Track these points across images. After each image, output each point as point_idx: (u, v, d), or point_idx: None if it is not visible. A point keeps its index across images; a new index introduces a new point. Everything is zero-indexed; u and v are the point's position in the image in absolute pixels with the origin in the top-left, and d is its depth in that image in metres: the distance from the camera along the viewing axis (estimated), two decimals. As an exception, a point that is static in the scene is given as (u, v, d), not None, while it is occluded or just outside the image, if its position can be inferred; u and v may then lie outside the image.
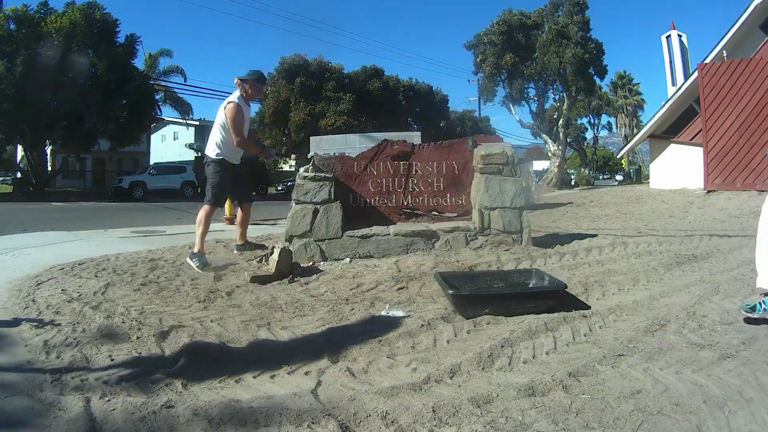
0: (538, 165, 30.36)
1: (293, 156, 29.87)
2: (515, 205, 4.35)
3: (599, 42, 23.68)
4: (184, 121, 33.48)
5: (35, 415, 1.63)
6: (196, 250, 4.02)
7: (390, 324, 2.58)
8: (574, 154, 48.37)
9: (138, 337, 2.34)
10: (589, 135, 48.23)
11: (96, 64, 18.89)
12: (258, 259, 4.12)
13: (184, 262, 4.04)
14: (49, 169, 23.76)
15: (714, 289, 2.94)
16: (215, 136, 4.28)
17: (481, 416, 1.60)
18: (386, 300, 3.05)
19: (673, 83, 17.48)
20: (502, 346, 2.17)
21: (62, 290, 3.22)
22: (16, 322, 2.54)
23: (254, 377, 1.94)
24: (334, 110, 25.54)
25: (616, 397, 1.68)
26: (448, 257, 4.00)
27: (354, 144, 6.82)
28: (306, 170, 4.33)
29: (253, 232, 5.41)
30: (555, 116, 27.86)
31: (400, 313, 2.75)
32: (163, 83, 27.24)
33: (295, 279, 3.55)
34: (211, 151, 4.29)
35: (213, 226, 8.02)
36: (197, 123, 36.85)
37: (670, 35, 18.31)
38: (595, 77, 24.53)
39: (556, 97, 27.03)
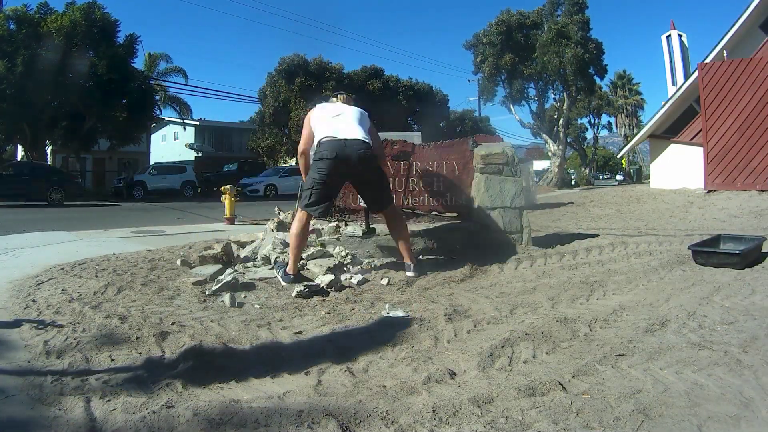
0: (539, 165, 30.41)
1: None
2: (515, 205, 4.35)
3: (599, 42, 23.71)
4: (182, 121, 33.49)
5: (35, 415, 1.63)
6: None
7: (390, 324, 2.58)
8: (575, 154, 48.37)
9: (138, 337, 2.33)
10: (589, 135, 48.24)
11: (96, 64, 18.90)
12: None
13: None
14: (50, 169, 23.77)
15: (715, 289, 2.94)
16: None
17: (481, 416, 1.60)
18: (386, 300, 3.05)
19: (674, 83, 17.48)
20: (503, 346, 2.17)
21: (62, 290, 3.22)
22: (16, 323, 2.54)
23: (254, 377, 1.94)
24: (334, 110, 25.51)
25: (616, 397, 1.68)
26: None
27: (354, 144, 6.79)
28: None
29: (256, 232, 5.40)
30: (555, 116, 27.88)
31: (400, 313, 2.75)
32: (163, 83, 27.25)
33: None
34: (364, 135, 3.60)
35: (213, 225, 8.05)
36: (197, 123, 36.87)
37: (670, 35, 18.31)
38: (595, 77, 24.57)
39: (556, 96, 27.07)
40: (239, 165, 26.89)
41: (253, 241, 4.57)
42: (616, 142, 55.70)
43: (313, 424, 1.56)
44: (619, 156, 33.90)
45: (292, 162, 33.75)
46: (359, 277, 3.54)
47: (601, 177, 49.38)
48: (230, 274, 3.46)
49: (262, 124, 29.26)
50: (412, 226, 4.39)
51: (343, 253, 3.96)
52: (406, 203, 4.55)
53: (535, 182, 18.66)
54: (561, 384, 1.78)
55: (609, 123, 48.50)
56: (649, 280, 3.29)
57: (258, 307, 2.94)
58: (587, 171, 42.88)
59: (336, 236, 4.27)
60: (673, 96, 14.86)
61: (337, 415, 1.60)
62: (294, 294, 3.13)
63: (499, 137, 5.60)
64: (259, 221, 8.28)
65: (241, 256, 4.19)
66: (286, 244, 4.06)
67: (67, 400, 1.72)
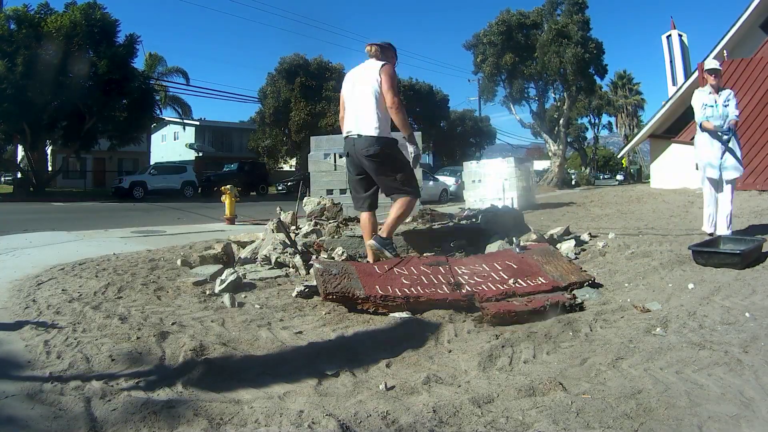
0: (539, 165, 30.40)
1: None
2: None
3: (599, 41, 23.71)
4: (182, 121, 33.51)
5: (36, 415, 1.63)
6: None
7: (391, 324, 2.58)
8: (575, 154, 48.39)
9: (138, 337, 2.33)
10: (589, 135, 48.29)
11: (96, 64, 18.90)
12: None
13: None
14: (50, 169, 23.78)
15: (715, 289, 2.94)
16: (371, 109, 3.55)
17: (481, 416, 1.60)
18: (387, 300, 3.04)
19: (674, 83, 17.47)
20: (503, 346, 2.17)
21: (63, 290, 3.22)
22: (16, 323, 2.54)
23: (254, 377, 1.94)
24: (334, 110, 25.54)
25: (616, 397, 1.68)
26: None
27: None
28: None
29: (257, 232, 5.40)
30: (555, 116, 27.89)
31: (400, 314, 2.75)
32: (164, 83, 27.25)
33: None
34: (372, 129, 3.48)
35: (214, 225, 8.05)
36: (197, 123, 36.89)
37: (670, 35, 18.29)
38: (595, 77, 24.59)
39: (557, 96, 27.06)
40: (239, 165, 26.90)
41: (253, 242, 4.57)
42: (616, 141, 55.69)
43: (313, 423, 1.56)
44: (619, 156, 33.88)
45: (293, 162, 33.76)
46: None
47: (601, 177, 49.38)
48: (231, 274, 3.46)
49: (263, 124, 29.29)
50: (413, 226, 4.39)
51: (343, 254, 3.96)
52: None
53: (536, 182, 18.65)
54: (561, 384, 1.78)
55: (609, 123, 48.57)
56: (649, 280, 3.28)
57: (258, 307, 2.94)
58: (588, 171, 42.88)
59: (336, 237, 4.26)
60: (673, 96, 14.86)
61: (337, 415, 1.60)
62: (294, 294, 3.13)
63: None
64: (259, 221, 8.29)
65: (242, 256, 4.19)
66: (286, 245, 4.06)
67: (68, 399, 1.72)
